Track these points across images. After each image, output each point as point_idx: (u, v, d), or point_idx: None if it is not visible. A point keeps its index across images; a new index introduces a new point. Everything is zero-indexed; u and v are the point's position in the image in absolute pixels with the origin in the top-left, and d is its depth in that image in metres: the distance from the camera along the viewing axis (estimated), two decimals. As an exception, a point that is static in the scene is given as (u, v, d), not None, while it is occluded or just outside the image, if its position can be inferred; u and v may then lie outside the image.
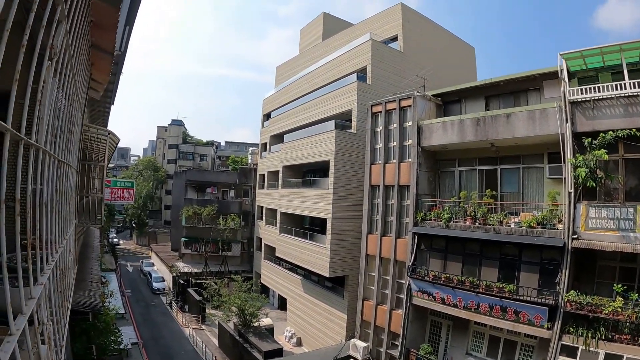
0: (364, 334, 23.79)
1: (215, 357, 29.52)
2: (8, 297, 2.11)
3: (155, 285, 47.42)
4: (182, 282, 43.14)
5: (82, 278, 15.98)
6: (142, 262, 57.90)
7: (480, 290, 16.66)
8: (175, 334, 35.40)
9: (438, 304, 18.49)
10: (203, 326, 36.92)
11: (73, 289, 9.61)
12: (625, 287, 13.65)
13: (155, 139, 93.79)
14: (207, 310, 36.74)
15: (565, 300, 14.47)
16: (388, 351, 21.92)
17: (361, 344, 22.80)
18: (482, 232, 17.18)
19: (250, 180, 51.26)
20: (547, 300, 14.93)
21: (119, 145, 21.29)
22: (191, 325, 36.34)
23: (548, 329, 14.86)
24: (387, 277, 21.97)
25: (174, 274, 45.43)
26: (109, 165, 21.57)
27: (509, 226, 16.58)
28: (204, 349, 31.39)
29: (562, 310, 14.64)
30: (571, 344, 14.38)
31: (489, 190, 18.05)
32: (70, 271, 8.79)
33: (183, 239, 50.77)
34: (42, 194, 3.89)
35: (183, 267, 47.79)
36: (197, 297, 37.99)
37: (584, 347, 14.04)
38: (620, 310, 13.22)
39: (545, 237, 15.51)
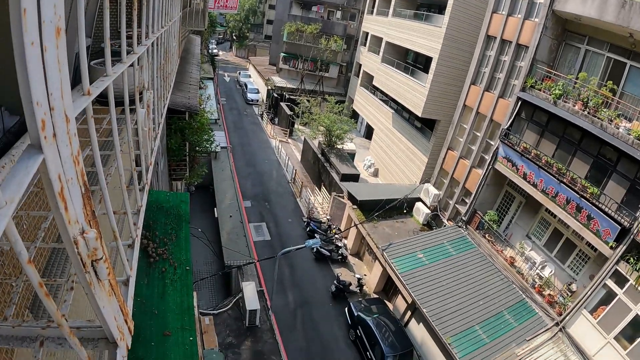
0: (439, 182, 24.02)
1: (296, 170, 31.64)
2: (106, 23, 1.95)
3: (250, 96, 49.41)
4: (275, 95, 44.52)
5: (182, 80, 16.77)
6: (240, 73, 59.68)
7: (565, 180, 15.61)
8: (262, 143, 37.87)
9: (519, 177, 17.78)
10: (289, 140, 39.03)
11: (172, 87, 9.99)
12: None
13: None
14: (295, 126, 38.44)
15: (640, 228, 13.29)
16: (456, 205, 22.23)
17: (433, 191, 23.18)
18: (588, 122, 15.33)
19: (358, 4, 48.29)
20: (622, 220, 13.76)
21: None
22: (278, 138, 38.56)
23: (611, 247, 14.00)
24: (478, 134, 21.14)
25: (269, 87, 46.67)
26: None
27: (617, 129, 14.61)
28: (287, 161, 33.66)
29: (632, 236, 13.46)
30: (624, 274, 13.61)
31: (610, 82, 15.64)
32: (173, 57, 9.02)
33: (282, 55, 50.79)
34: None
35: (279, 81, 48.76)
36: (288, 112, 39.43)
37: (633, 283, 13.29)
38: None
39: (650, 155, 13.62)
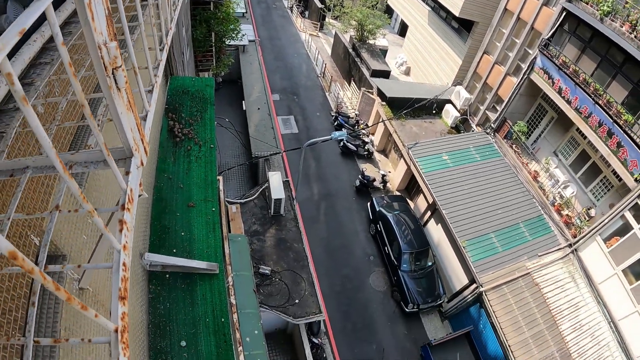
0: (471, 86, 23.37)
1: (326, 64, 31.04)
2: None
3: (279, -13, 46.99)
4: (307, -15, 42.40)
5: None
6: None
7: (600, 102, 14.85)
8: (291, 37, 36.78)
9: (554, 91, 17.06)
10: (319, 34, 37.86)
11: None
12: None
13: None
14: (326, 19, 37.11)
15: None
16: (487, 111, 21.80)
17: (465, 94, 22.64)
18: (633, 46, 14.11)
19: None
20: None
21: None
22: (308, 31, 37.32)
23: (636, 180, 13.63)
24: (517, 40, 20.06)
25: (299, -22, 44.29)
26: None
27: (665, 59, 13.54)
28: (316, 55, 32.90)
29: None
30: (643, 212, 13.42)
31: (664, 8, 14.14)
32: None
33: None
34: None
35: (310, -29, 46.12)
36: (319, 5, 37.80)
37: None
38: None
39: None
